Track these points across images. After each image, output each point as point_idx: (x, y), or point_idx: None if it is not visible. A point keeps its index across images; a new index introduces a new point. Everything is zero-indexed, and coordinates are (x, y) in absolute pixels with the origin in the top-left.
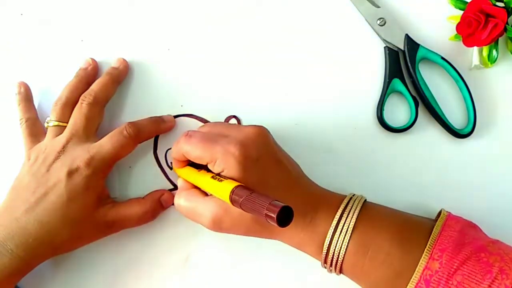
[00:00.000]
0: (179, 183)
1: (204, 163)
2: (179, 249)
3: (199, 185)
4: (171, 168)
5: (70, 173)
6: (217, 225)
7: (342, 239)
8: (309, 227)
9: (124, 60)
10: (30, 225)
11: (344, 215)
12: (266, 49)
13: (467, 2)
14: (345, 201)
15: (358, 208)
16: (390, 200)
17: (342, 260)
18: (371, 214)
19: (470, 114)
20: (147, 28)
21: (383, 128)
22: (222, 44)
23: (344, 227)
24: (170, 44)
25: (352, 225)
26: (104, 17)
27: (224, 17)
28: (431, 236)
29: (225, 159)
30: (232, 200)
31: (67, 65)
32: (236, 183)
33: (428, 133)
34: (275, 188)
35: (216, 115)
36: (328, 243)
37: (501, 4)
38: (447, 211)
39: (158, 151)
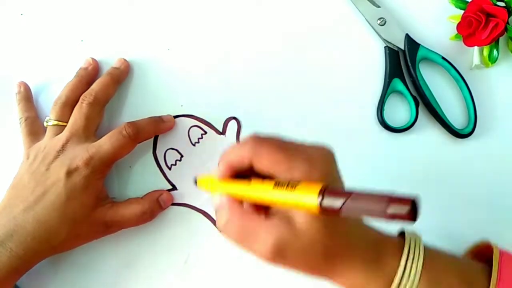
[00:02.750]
0: (219, 200)
1: (276, 173)
2: (179, 249)
3: (257, 198)
4: (170, 168)
5: (69, 173)
6: (280, 254)
7: (413, 278)
8: (373, 266)
9: (125, 60)
10: (29, 224)
11: (410, 253)
12: (265, 49)
13: (467, 2)
14: (407, 239)
15: (422, 247)
16: None
17: None
18: (433, 255)
19: (470, 114)
20: (147, 28)
21: (383, 128)
22: (222, 44)
23: (413, 266)
24: (170, 44)
25: (421, 267)
26: (104, 17)
27: (224, 17)
28: (492, 277)
29: (309, 171)
30: (323, 206)
31: (67, 65)
32: (321, 184)
33: (428, 133)
34: None
35: (216, 115)
36: (398, 283)
37: (501, 4)
38: (497, 247)
39: (157, 151)
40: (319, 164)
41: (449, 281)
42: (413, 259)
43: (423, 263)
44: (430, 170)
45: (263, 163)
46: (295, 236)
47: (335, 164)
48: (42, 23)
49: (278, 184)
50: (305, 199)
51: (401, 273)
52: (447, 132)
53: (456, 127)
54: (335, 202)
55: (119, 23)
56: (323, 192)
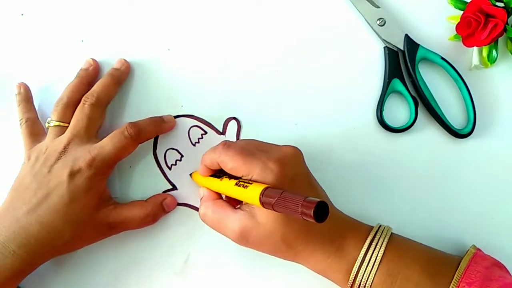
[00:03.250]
0: (203, 192)
1: (239, 175)
2: (179, 249)
3: (224, 192)
4: (170, 168)
5: (72, 174)
6: (244, 239)
7: (371, 267)
8: (337, 253)
9: (126, 61)
10: (32, 226)
11: (373, 244)
12: (265, 49)
13: (467, 2)
14: (374, 230)
15: (387, 238)
16: (389, 199)
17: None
18: (399, 245)
19: (469, 114)
20: (147, 28)
21: (383, 128)
22: (222, 44)
23: (373, 256)
24: (170, 44)
25: (381, 254)
26: (104, 17)
27: (224, 17)
28: (458, 269)
29: (263, 174)
30: (262, 202)
31: (67, 65)
32: (264, 185)
33: (428, 133)
34: None
35: (216, 115)
36: (356, 271)
37: (500, 4)
38: (476, 248)
39: (157, 151)
40: (273, 168)
41: (410, 272)
42: (374, 248)
43: (384, 253)
44: (429, 170)
45: (227, 167)
46: (256, 226)
47: (295, 164)
48: (42, 23)
49: (238, 183)
50: (252, 197)
51: (360, 261)
52: (446, 132)
53: (455, 127)
54: (270, 200)
55: (119, 23)
56: (263, 192)
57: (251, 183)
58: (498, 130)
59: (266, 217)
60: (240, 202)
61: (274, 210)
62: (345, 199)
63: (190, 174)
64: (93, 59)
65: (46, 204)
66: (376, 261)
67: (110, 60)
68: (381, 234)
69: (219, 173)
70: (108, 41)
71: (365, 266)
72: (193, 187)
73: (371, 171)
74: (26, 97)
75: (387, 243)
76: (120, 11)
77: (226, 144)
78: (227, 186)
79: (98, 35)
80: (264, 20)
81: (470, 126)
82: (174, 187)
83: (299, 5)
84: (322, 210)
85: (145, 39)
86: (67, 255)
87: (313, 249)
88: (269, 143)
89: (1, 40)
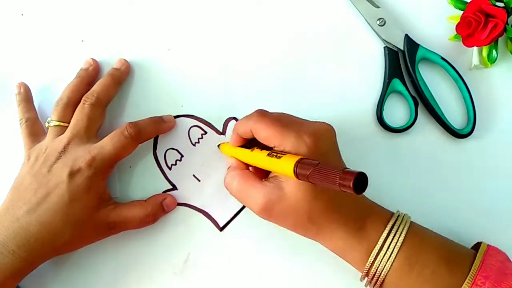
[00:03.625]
0: (231, 162)
1: (271, 145)
2: (179, 249)
3: (255, 163)
4: (170, 168)
5: (72, 174)
6: (268, 212)
7: (390, 252)
8: (358, 233)
9: (126, 61)
10: (32, 226)
11: (393, 229)
12: (266, 49)
13: (467, 2)
14: (395, 216)
15: (407, 226)
16: (389, 199)
17: (387, 271)
18: (418, 232)
19: (469, 114)
20: (147, 28)
21: (383, 128)
22: (222, 44)
23: (395, 239)
24: (170, 44)
25: (403, 238)
26: (104, 17)
27: (224, 17)
28: (475, 262)
29: (297, 145)
30: (297, 173)
31: (67, 65)
32: (298, 157)
33: (428, 133)
34: None
35: (216, 115)
36: (376, 251)
37: (501, 4)
38: (486, 243)
39: (157, 151)
40: (307, 140)
41: (427, 260)
42: (395, 233)
43: (404, 238)
44: (429, 170)
45: (261, 136)
46: (282, 199)
47: (327, 140)
48: (42, 23)
49: (270, 154)
50: (286, 168)
51: (380, 245)
52: (446, 132)
53: (455, 127)
54: (305, 171)
55: (119, 23)
56: (298, 163)
57: (284, 154)
58: (498, 130)
59: (293, 191)
60: (266, 176)
61: (309, 181)
62: None
63: (218, 146)
64: (93, 59)
65: (46, 204)
66: (396, 247)
67: (110, 60)
68: (401, 221)
69: (249, 144)
70: (108, 41)
71: (385, 251)
72: (193, 187)
73: (371, 171)
74: (26, 97)
75: (408, 229)
76: (120, 11)
77: (261, 113)
78: (258, 157)
79: (98, 35)
80: (264, 20)
81: (470, 126)
82: (174, 187)
83: (299, 5)
84: (361, 181)
85: (145, 39)
86: (67, 255)
87: (336, 227)
88: (301, 118)
89: (1, 40)
